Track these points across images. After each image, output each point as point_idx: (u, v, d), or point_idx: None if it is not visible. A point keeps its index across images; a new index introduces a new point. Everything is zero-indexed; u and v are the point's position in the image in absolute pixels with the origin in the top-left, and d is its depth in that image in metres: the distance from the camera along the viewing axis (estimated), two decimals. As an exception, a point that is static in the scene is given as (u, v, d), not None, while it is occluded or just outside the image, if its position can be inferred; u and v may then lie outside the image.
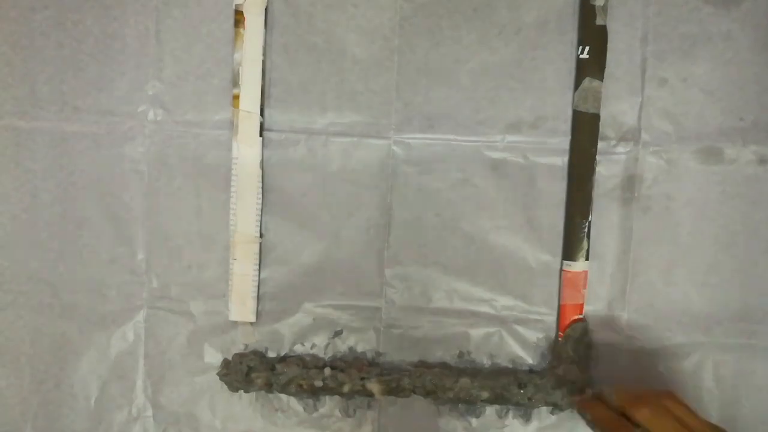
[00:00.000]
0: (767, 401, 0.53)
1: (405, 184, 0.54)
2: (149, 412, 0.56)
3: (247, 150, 0.54)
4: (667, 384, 0.53)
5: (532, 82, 0.53)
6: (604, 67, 0.52)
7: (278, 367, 0.53)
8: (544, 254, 0.54)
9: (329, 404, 0.55)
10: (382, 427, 0.55)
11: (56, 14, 0.54)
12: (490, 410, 0.54)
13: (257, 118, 0.54)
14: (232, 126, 0.54)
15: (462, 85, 0.53)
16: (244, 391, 0.54)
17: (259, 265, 0.55)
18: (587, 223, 0.52)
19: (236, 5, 0.53)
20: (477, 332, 0.54)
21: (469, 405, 0.54)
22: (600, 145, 0.52)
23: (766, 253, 0.53)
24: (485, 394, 0.52)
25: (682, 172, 0.53)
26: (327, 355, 0.55)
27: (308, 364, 0.54)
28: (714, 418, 0.53)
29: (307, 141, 0.54)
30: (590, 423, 0.48)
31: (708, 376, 0.53)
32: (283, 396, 0.55)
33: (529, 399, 0.52)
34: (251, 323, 0.55)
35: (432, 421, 0.55)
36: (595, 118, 0.52)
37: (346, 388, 0.52)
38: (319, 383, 0.52)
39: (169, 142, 0.55)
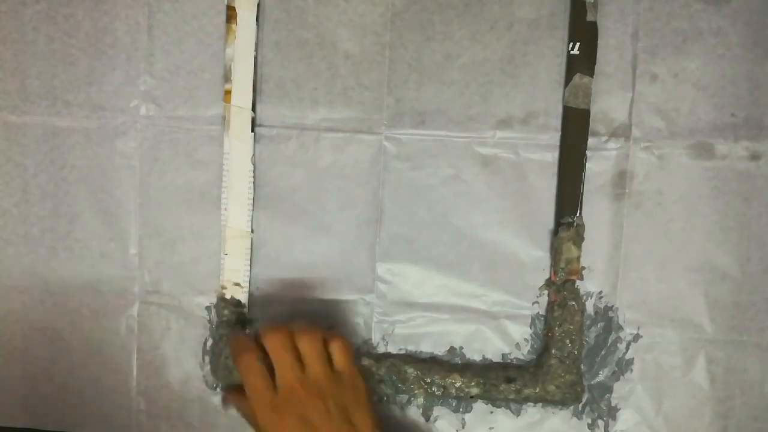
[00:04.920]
0: (759, 398, 0.53)
1: (396, 179, 0.54)
2: (142, 407, 0.56)
3: (238, 145, 0.54)
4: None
5: (524, 78, 0.53)
6: (595, 63, 0.52)
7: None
8: (535, 250, 0.54)
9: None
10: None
11: (47, 8, 0.54)
12: (481, 405, 0.54)
13: (249, 114, 0.54)
14: (223, 121, 0.54)
15: (453, 81, 0.53)
16: (236, 386, 0.55)
17: (251, 260, 0.55)
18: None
19: (228, 0, 0.53)
20: (468, 327, 0.54)
21: (460, 400, 0.54)
22: (590, 141, 0.52)
23: (759, 249, 0.53)
24: (474, 390, 0.52)
25: (674, 168, 0.53)
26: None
27: (299, 359, 0.54)
28: (706, 415, 0.53)
29: (298, 136, 0.54)
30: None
31: (700, 372, 0.53)
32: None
33: (518, 393, 0.52)
34: (243, 318, 0.55)
35: (425, 420, 0.55)
36: (586, 114, 0.52)
37: None
38: None
39: (161, 138, 0.55)
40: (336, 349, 0.46)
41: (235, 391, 0.50)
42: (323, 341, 0.46)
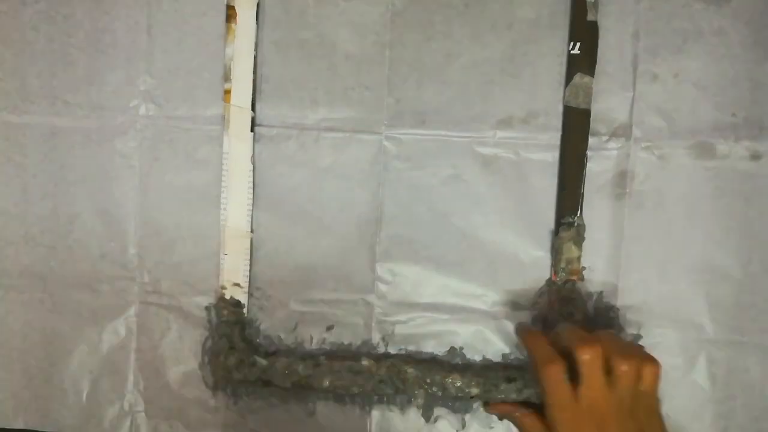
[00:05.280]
0: (760, 398, 0.53)
1: (396, 179, 0.54)
2: (141, 408, 0.56)
3: (238, 145, 0.54)
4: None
5: (524, 78, 0.53)
6: (595, 63, 0.52)
7: (269, 361, 0.53)
8: (536, 250, 0.54)
9: (322, 403, 0.55)
10: (376, 427, 0.55)
11: (47, 8, 0.54)
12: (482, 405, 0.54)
13: (248, 114, 0.54)
14: (223, 121, 0.54)
15: (454, 81, 0.53)
16: (236, 385, 0.54)
17: (251, 260, 0.55)
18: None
19: (228, 0, 0.53)
20: (468, 328, 0.54)
21: (461, 401, 0.54)
22: (591, 140, 0.52)
23: (760, 249, 0.53)
24: (475, 390, 0.52)
25: (675, 168, 0.53)
26: (318, 350, 0.55)
27: (299, 358, 0.54)
28: (708, 415, 0.53)
29: (298, 136, 0.54)
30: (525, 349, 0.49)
31: (701, 373, 0.53)
32: (275, 391, 0.55)
33: (519, 393, 0.51)
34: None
35: (425, 420, 0.55)
36: (586, 113, 0.52)
37: (337, 373, 0.52)
38: (308, 371, 0.53)
39: (160, 137, 0.55)
40: (648, 374, 0.44)
41: (510, 405, 0.51)
42: (639, 367, 0.44)
